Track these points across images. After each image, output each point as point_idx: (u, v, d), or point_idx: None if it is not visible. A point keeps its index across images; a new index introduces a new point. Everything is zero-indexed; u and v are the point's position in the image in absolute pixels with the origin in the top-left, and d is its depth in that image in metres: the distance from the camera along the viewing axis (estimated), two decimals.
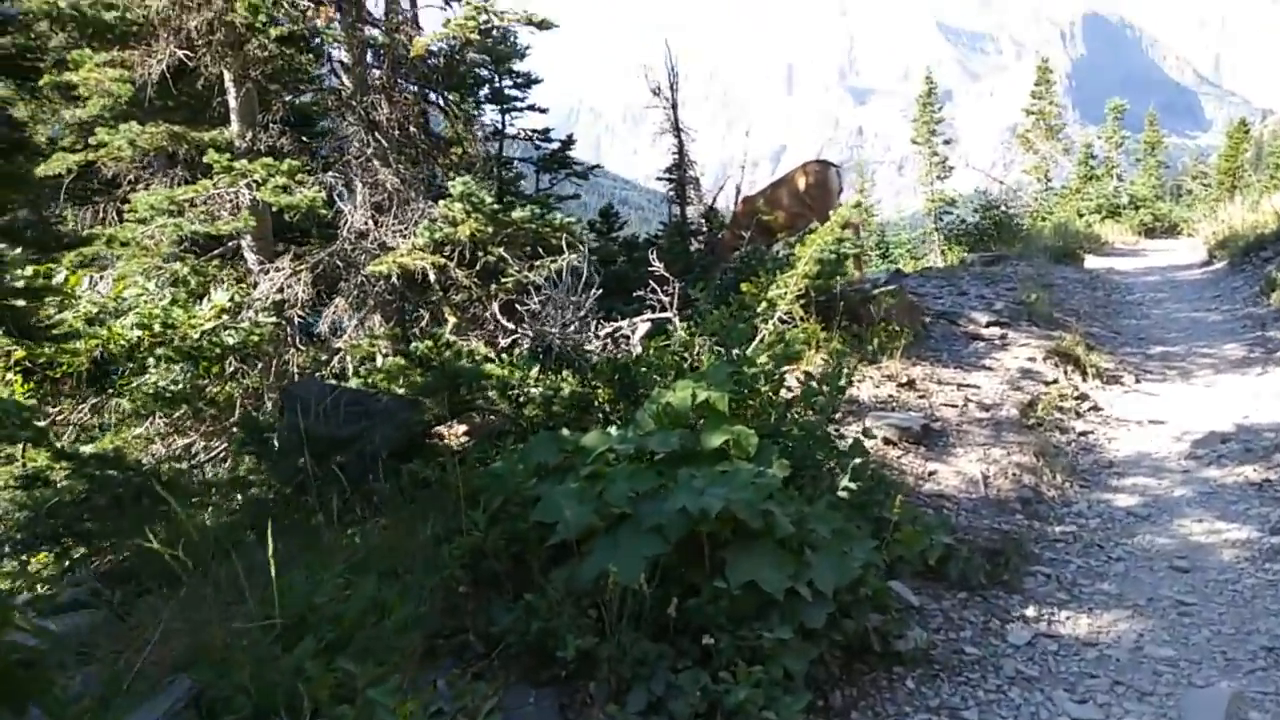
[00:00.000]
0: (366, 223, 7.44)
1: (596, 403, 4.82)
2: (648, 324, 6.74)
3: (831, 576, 3.55)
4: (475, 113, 8.97)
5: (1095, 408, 7.18)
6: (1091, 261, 17.78)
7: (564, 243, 7.10)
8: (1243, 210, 17.80)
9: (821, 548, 3.67)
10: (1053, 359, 7.81)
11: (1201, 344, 8.86)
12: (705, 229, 14.13)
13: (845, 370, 4.82)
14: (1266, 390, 7.11)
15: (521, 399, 4.61)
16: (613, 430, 4.19)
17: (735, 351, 4.50)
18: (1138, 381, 7.85)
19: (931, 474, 5.56)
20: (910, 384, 6.89)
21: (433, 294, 7.35)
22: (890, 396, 6.63)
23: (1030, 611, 4.27)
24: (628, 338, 6.74)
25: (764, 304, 6.94)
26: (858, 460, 4.60)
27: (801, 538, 3.73)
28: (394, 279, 7.12)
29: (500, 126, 12.86)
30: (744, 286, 7.42)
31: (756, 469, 3.89)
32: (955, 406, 6.60)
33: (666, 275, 6.77)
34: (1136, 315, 10.74)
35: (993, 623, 4.17)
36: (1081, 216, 24.28)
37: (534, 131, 13.00)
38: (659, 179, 18.06)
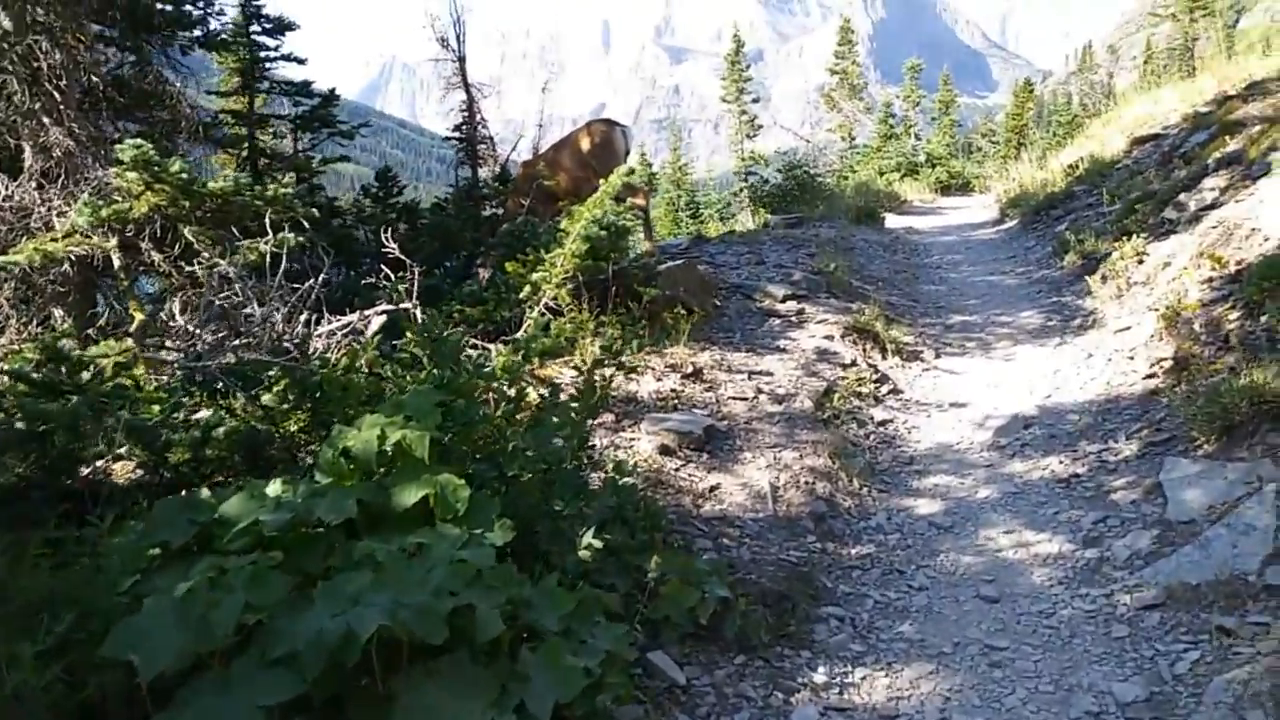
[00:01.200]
0: (25, 196, 5.85)
1: (279, 438, 3.65)
2: (382, 317, 5.56)
3: (551, 693, 2.58)
4: (181, 61, 7.35)
5: (895, 390, 6.59)
6: (892, 220, 17.76)
7: (275, 219, 5.78)
8: (1031, 169, 18.23)
9: (544, 649, 2.70)
10: (851, 336, 7.18)
11: (999, 312, 8.53)
12: (499, 194, 12.90)
13: (599, 380, 3.85)
14: (1066, 363, 6.72)
15: (168, 440, 3.38)
16: (274, 487, 3.04)
17: (447, 370, 3.43)
18: (938, 356, 7.36)
19: (713, 490, 4.71)
20: (697, 374, 6.04)
21: (119, 284, 5.87)
22: (673, 391, 5.75)
23: (820, 675, 3.47)
24: (361, 334, 5.54)
25: (526, 288, 5.91)
26: (613, 499, 3.67)
27: (519, 632, 2.77)
28: (64, 267, 5.62)
29: (248, 78, 11.16)
30: (509, 266, 6.35)
31: (465, 536, 2.88)
32: (745, 399, 5.80)
33: (401, 256, 5.59)
34: (935, 280, 10.42)
35: (774, 696, 3.34)
36: (882, 175, 24.58)
37: (288, 84, 11.36)
38: (446, 138, 16.66)
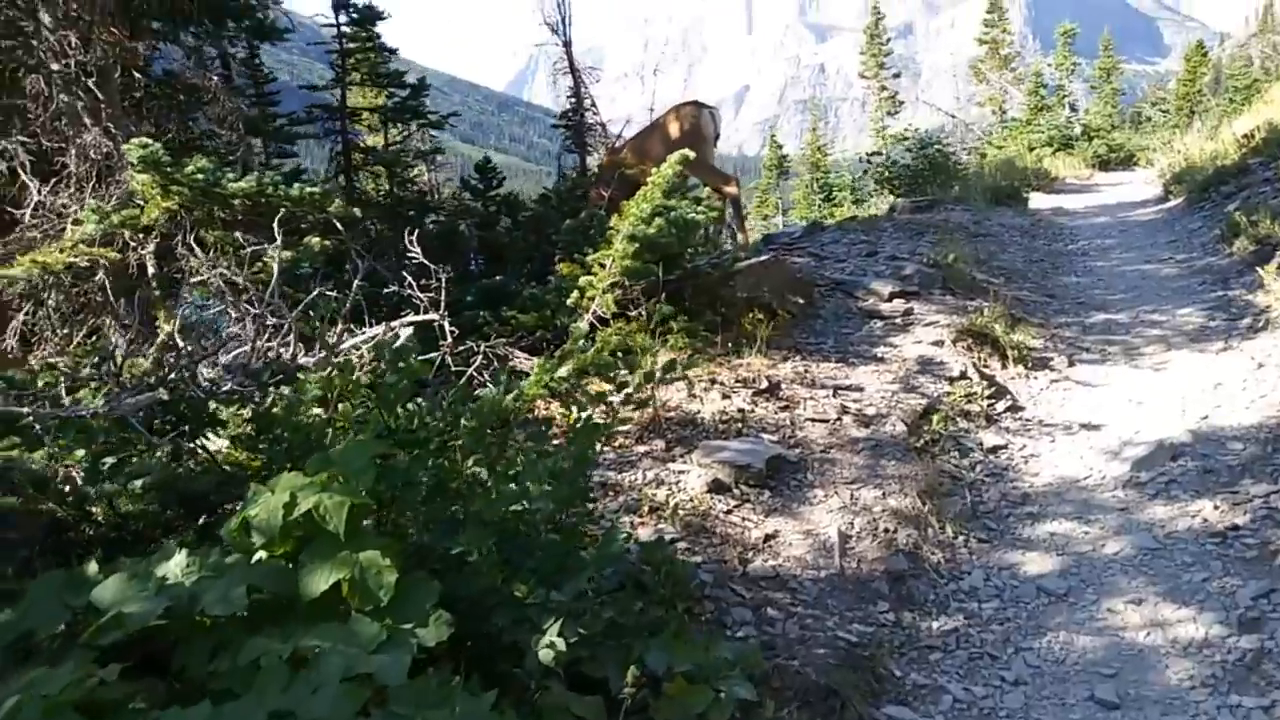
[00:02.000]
0: (64, 201, 5.64)
1: (235, 482, 3.15)
2: (409, 329, 5.03)
3: None
4: (228, 48, 7.04)
5: (1013, 407, 5.59)
6: (1037, 201, 16.23)
7: (320, 220, 5.36)
8: (1200, 140, 16.27)
9: None
10: (965, 341, 6.20)
11: (1151, 309, 7.30)
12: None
13: (602, 426, 3.15)
14: (1230, 374, 5.55)
15: (88, 494, 2.93)
16: (172, 563, 2.51)
17: (395, 415, 2.82)
18: (1071, 364, 6.28)
19: (768, 539, 3.95)
20: (773, 389, 5.25)
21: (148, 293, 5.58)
22: (740, 411, 4.98)
23: None
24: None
25: (574, 294, 5.27)
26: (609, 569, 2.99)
27: None
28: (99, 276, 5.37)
29: (337, 70, 10.92)
30: (563, 268, 5.73)
31: (383, 634, 2.28)
32: (826, 421, 4.97)
33: (426, 262, 5.03)
34: (1078, 270, 9.16)
35: None
36: (1032, 150, 22.65)
37: (381, 76, 11.08)
38: (554, 125, 16.24)
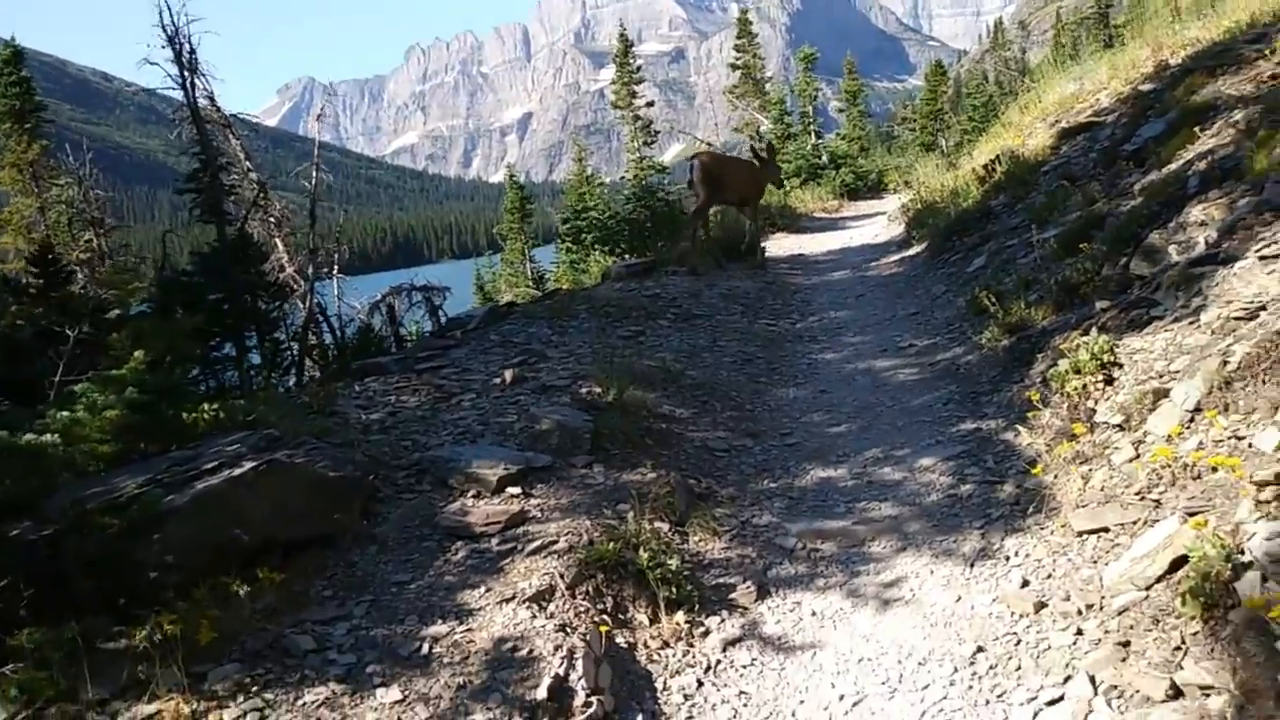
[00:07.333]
0: None
1: None
2: None
3: None
4: None
5: None
6: (780, 244, 14.56)
7: None
8: (939, 171, 15.09)
9: None
10: (589, 583, 3.73)
11: (883, 453, 5.14)
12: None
13: None
14: (993, 630, 3.36)
15: None
16: None
17: None
18: (762, 595, 3.93)
19: None
20: None
21: None
22: None
23: None
24: None
25: None
26: None
27: None
28: None
29: None
30: None
31: None
32: None
33: None
34: (800, 374, 7.03)
35: None
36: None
37: None
38: (179, 191, 13.20)
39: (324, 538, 3.95)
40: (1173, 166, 6.94)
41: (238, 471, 3.67)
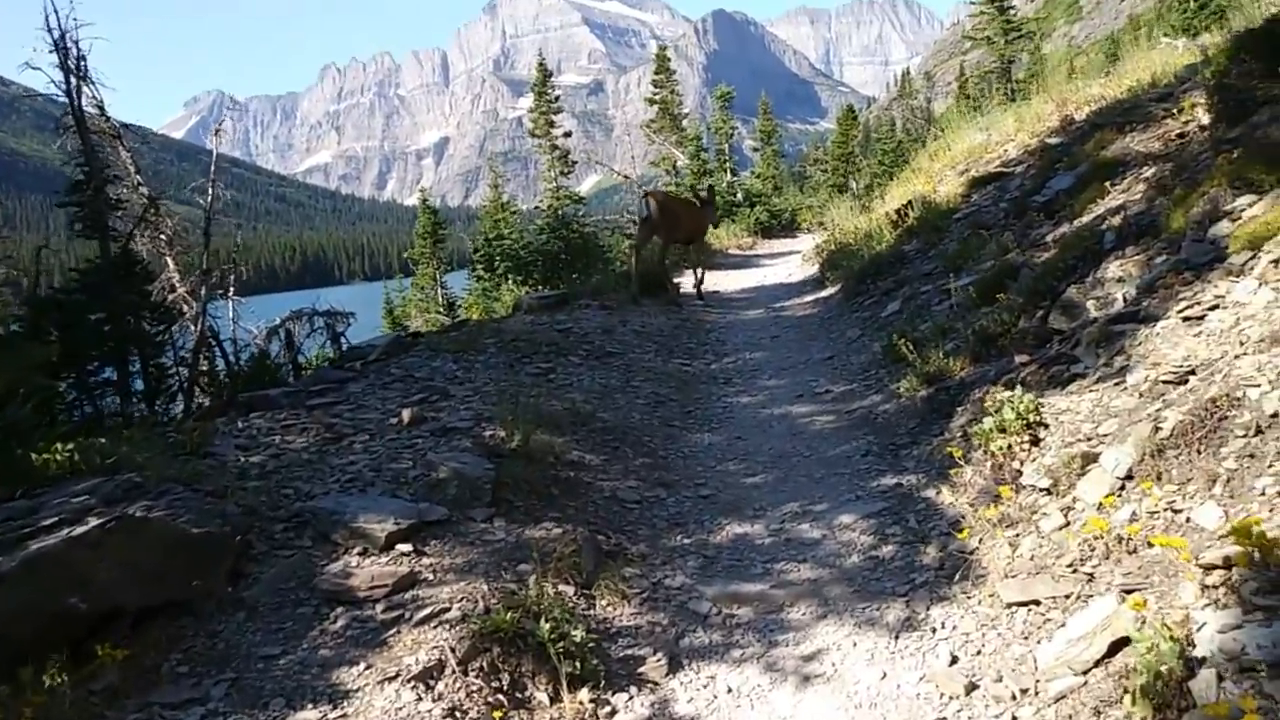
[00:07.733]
0: None
1: None
2: None
3: None
4: None
5: None
6: (693, 281, 14.36)
7: None
8: (852, 215, 15.22)
9: None
10: (484, 656, 3.37)
11: (800, 508, 4.92)
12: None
13: None
14: (911, 700, 3.13)
15: None
16: None
17: None
18: (673, 668, 3.62)
19: None
20: None
21: None
22: None
23: None
24: None
25: None
26: None
27: None
28: None
29: None
30: None
31: None
32: None
33: None
34: (715, 418, 6.80)
35: None
36: None
37: None
38: (59, 204, 12.41)
39: (183, 604, 3.48)
40: (1085, 220, 6.99)
41: (80, 530, 3.20)
